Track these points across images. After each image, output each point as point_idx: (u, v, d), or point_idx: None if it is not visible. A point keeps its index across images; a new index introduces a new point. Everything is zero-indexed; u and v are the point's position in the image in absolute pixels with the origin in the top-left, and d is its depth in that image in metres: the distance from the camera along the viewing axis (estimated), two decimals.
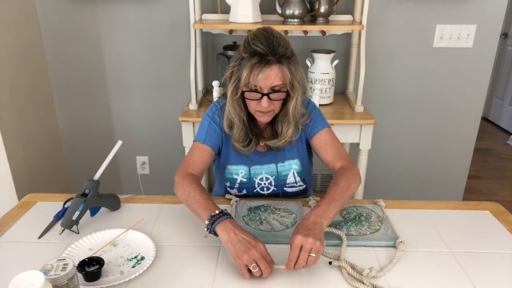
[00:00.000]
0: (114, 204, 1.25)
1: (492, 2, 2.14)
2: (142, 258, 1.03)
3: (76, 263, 0.95)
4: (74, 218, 1.12)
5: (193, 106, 2.05)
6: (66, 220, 1.11)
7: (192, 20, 1.95)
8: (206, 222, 1.01)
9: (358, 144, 2.02)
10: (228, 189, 1.36)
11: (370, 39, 2.19)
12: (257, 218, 1.18)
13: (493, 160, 3.57)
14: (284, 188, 1.36)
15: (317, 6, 1.97)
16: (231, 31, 2.05)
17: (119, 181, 2.60)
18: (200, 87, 2.27)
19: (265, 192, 1.36)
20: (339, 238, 1.09)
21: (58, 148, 2.49)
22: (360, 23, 1.99)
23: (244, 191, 1.35)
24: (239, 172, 1.33)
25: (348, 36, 2.22)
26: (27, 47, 2.15)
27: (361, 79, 1.96)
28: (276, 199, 1.32)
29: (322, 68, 2.07)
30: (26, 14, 2.13)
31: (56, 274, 0.81)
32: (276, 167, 1.33)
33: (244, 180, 1.34)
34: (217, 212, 1.01)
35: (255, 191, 1.35)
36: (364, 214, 1.21)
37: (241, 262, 0.93)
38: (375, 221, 1.18)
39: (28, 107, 2.17)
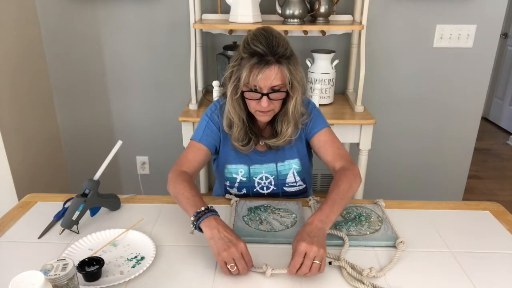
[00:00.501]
0: (114, 204, 1.25)
1: (492, 2, 2.14)
2: (142, 258, 1.03)
3: (76, 263, 0.95)
4: (74, 218, 1.12)
5: (193, 106, 2.05)
6: (66, 220, 1.11)
7: (192, 20, 1.95)
8: (192, 218, 1.03)
9: (358, 144, 2.02)
10: (228, 188, 1.36)
11: (370, 39, 2.19)
12: (257, 218, 1.18)
13: (493, 160, 3.57)
14: (284, 188, 1.36)
15: (317, 6, 1.97)
16: (231, 31, 2.05)
17: (119, 181, 2.60)
18: (200, 87, 2.27)
19: (265, 191, 1.36)
20: (340, 238, 1.09)
21: (58, 148, 2.49)
22: (360, 23, 1.99)
23: (244, 191, 1.35)
24: (238, 172, 1.33)
25: (348, 36, 2.22)
26: (27, 47, 2.15)
27: (361, 79, 1.96)
28: (276, 199, 1.32)
29: (322, 68, 2.07)
30: (26, 14, 2.13)
31: (56, 274, 0.81)
32: (276, 166, 1.33)
33: (244, 179, 1.34)
34: (202, 208, 1.03)
35: (254, 190, 1.35)
36: (364, 214, 1.21)
37: (221, 259, 0.95)
38: (375, 221, 1.18)
39: (28, 107, 2.17)
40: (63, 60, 2.32)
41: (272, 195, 1.36)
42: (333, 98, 2.17)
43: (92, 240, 1.10)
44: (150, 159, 2.54)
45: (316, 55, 2.08)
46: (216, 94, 1.73)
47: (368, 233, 1.12)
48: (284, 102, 1.21)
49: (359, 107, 2.03)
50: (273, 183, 1.35)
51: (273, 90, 1.15)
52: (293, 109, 1.21)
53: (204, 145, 1.26)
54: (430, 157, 2.48)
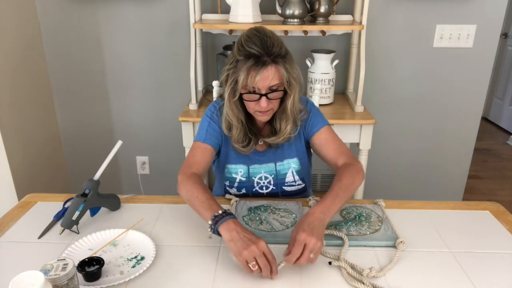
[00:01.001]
0: (114, 204, 1.25)
1: (492, 2, 2.14)
2: (142, 258, 1.03)
3: (76, 263, 0.95)
4: (74, 218, 1.12)
5: (193, 106, 2.05)
6: (66, 220, 1.12)
7: (192, 20, 1.95)
8: (210, 222, 1.01)
9: (358, 144, 2.02)
10: (227, 188, 1.36)
11: (370, 39, 2.19)
12: (257, 218, 1.18)
13: (493, 160, 3.57)
14: (283, 187, 1.36)
15: (317, 6, 1.97)
16: (231, 31, 2.05)
17: (119, 181, 2.60)
18: (200, 87, 2.27)
19: (264, 191, 1.36)
20: (340, 239, 1.09)
21: (58, 148, 2.49)
22: (360, 23, 1.99)
23: (243, 190, 1.35)
24: (238, 171, 1.33)
25: (348, 36, 2.22)
26: (27, 47, 2.15)
27: (361, 79, 1.96)
28: (275, 199, 1.32)
29: (322, 68, 2.07)
30: (26, 14, 2.13)
31: (56, 274, 0.81)
32: (275, 166, 1.34)
33: (243, 179, 1.34)
34: (220, 212, 1.01)
35: (254, 190, 1.35)
36: (364, 214, 1.21)
37: (242, 259, 0.93)
38: (375, 221, 1.18)
39: (28, 107, 2.17)
40: (63, 60, 2.32)
41: (271, 195, 1.36)
42: (333, 98, 2.17)
43: (92, 240, 1.09)
44: (150, 159, 2.54)
45: (316, 55, 2.08)
46: (216, 94, 1.73)
47: (368, 233, 1.12)
48: (282, 100, 1.22)
49: (359, 107, 2.02)
50: (272, 182, 1.35)
51: (271, 90, 1.15)
52: (291, 106, 1.21)
53: (209, 144, 1.26)
54: (430, 157, 2.48)
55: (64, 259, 0.85)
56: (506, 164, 3.51)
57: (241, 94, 1.17)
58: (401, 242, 1.07)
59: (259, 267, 0.93)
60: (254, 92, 1.15)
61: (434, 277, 0.98)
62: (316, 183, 2.53)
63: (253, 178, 1.34)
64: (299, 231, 0.97)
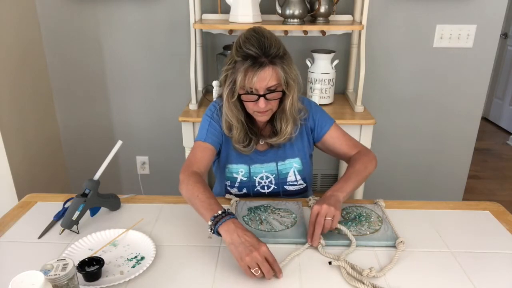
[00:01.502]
0: (114, 204, 1.25)
1: (492, 2, 2.13)
2: (142, 258, 1.03)
3: (76, 263, 0.95)
4: (74, 218, 1.12)
5: (193, 106, 2.05)
6: (66, 220, 1.12)
7: (192, 20, 1.95)
8: (209, 223, 1.01)
9: (357, 140, 2.02)
10: (228, 188, 1.36)
11: (370, 39, 2.19)
12: (257, 218, 1.18)
13: (493, 160, 3.57)
14: (285, 187, 1.36)
15: (317, 6, 1.97)
16: (231, 31, 2.05)
17: (119, 181, 2.60)
18: (200, 87, 2.27)
19: (266, 190, 1.36)
20: (347, 239, 1.09)
21: (58, 148, 2.49)
22: (360, 23, 1.99)
23: (245, 190, 1.35)
24: (239, 171, 1.34)
25: (348, 36, 2.22)
26: (27, 47, 2.15)
27: (361, 79, 1.96)
28: (276, 199, 1.32)
29: (322, 68, 2.07)
30: (26, 14, 2.13)
31: (56, 274, 0.81)
32: (276, 165, 1.34)
33: (244, 179, 1.34)
34: (219, 212, 1.01)
35: (255, 190, 1.35)
36: (364, 214, 1.21)
37: (244, 264, 0.93)
38: (375, 221, 1.18)
39: (28, 107, 2.17)
40: (63, 60, 2.32)
41: (272, 194, 1.36)
42: (333, 98, 2.17)
43: (92, 240, 1.09)
44: (150, 159, 2.54)
45: (316, 55, 2.08)
46: (216, 94, 1.73)
47: (368, 233, 1.12)
48: (281, 100, 1.22)
49: (359, 107, 2.03)
50: (273, 182, 1.35)
51: (269, 90, 1.16)
52: (290, 107, 1.22)
53: (210, 144, 1.26)
54: (430, 157, 2.48)
55: (64, 259, 0.85)
56: (506, 164, 3.51)
57: (239, 95, 1.18)
58: (401, 242, 1.07)
59: (262, 271, 0.93)
60: (252, 93, 1.15)
61: (434, 277, 0.98)
62: (316, 183, 2.53)
63: (254, 177, 1.34)
64: (312, 207, 1.08)
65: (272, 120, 1.28)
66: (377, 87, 2.32)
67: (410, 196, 2.53)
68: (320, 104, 1.84)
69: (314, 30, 2.02)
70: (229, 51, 2.05)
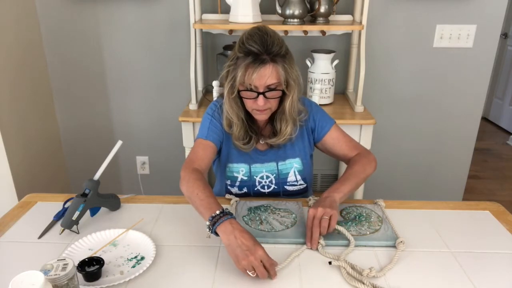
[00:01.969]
0: (114, 204, 1.25)
1: (492, 2, 2.13)
2: (142, 258, 1.03)
3: (76, 263, 0.95)
4: (74, 218, 1.12)
5: (193, 106, 2.05)
6: (66, 220, 1.11)
7: (192, 20, 1.95)
8: (207, 223, 1.01)
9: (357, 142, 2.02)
10: (228, 187, 1.36)
11: (370, 39, 2.19)
12: (257, 218, 1.18)
13: (493, 160, 3.57)
14: (285, 187, 1.36)
15: (317, 6, 1.97)
16: (231, 31, 2.05)
17: (119, 181, 2.60)
18: (200, 87, 2.27)
19: (266, 190, 1.36)
20: (346, 239, 1.09)
21: (58, 148, 2.49)
22: (360, 23, 1.99)
23: (245, 189, 1.35)
24: (239, 170, 1.34)
25: (348, 36, 2.22)
26: (27, 47, 2.15)
27: (361, 79, 1.96)
28: (276, 199, 1.32)
29: (322, 68, 2.07)
30: (26, 14, 2.13)
31: (56, 274, 0.81)
32: (277, 165, 1.34)
33: (245, 178, 1.34)
34: (217, 212, 1.00)
35: (255, 189, 1.35)
36: (364, 214, 1.21)
37: (241, 267, 0.94)
38: (375, 221, 1.18)
39: (28, 107, 2.17)
40: (63, 60, 2.32)
41: (272, 194, 1.36)
42: (333, 98, 2.17)
43: (92, 240, 1.09)
44: (150, 159, 2.54)
45: (316, 55, 2.08)
46: (216, 94, 1.73)
47: (368, 233, 1.12)
48: (281, 100, 1.22)
49: (359, 107, 2.03)
50: (274, 182, 1.35)
51: (269, 88, 1.16)
52: (289, 107, 1.22)
53: (211, 141, 1.26)
54: (430, 157, 2.48)
55: (64, 259, 0.85)
56: (506, 164, 3.51)
57: (239, 91, 1.18)
58: (401, 242, 1.07)
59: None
60: (251, 90, 1.15)
61: (434, 277, 0.98)
62: (316, 183, 2.53)
63: (255, 177, 1.34)
64: (308, 210, 1.08)
65: (272, 120, 1.28)
66: (377, 87, 2.32)
67: (410, 196, 2.53)
68: (320, 104, 1.84)
69: (314, 30, 2.02)
70: (229, 51, 2.07)
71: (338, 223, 1.16)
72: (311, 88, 2.11)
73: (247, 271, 0.93)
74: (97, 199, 1.18)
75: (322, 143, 1.35)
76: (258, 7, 1.98)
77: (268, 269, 0.94)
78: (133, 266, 1.00)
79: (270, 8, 2.06)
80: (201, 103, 2.13)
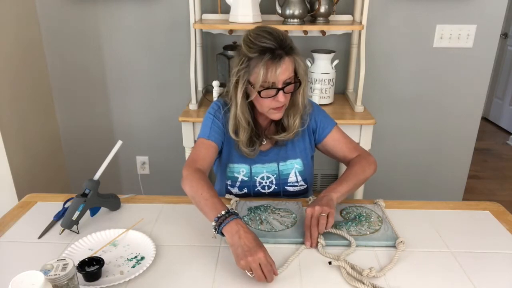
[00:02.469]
0: (114, 204, 1.25)
1: (492, 2, 2.13)
2: (142, 258, 1.03)
3: (76, 263, 0.95)
4: (74, 218, 1.12)
5: (193, 106, 2.05)
6: (66, 220, 1.12)
7: (192, 20, 1.95)
8: (213, 223, 1.00)
9: (358, 144, 2.02)
10: (229, 187, 1.36)
11: (370, 39, 2.19)
12: (257, 218, 1.18)
13: (493, 160, 3.57)
14: (286, 187, 1.36)
15: (317, 6, 1.97)
16: (231, 31, 2.05)
17: (119, 181, 2.60)
18: (200, 87, 2.27)
19: (266, 191, 1.36)
20: (345, 239, 1.09)
21: (58, 148, 2.49)
22: (360, 23, 1.99)
23: (245, 190, 1.35)
24: (240, 171, 1.33)
25: (348, 36, 2.22)
26: (27, 47, 2.15)
27: (361, 79, 1.96)
28: (276, 199, 1.32)
29: (322, 68, 2.07)
30: (26, 14, 2.13)
31: (56, 274, 0.81)
32: (278, 166, 1.34)
33: (245, 178, 1.34)
34: (223, 212, 1.00)
35: (256, 189, 1.35)
36: (364, 214, 1.21)
37: (240, 266, 0.94)
38: (375, 221, 1.18)
39: (28, 107, 2.17)
40: (63, 61, 2.32)
41: (273, 195, 1.36)
42: (333, 98, 2.17)
43: (92, 240, 1.09)
44: (150, 159, 2.54)
45: (316, 55, 2.08)
46: (216, 94, 1.73)
47: (368, 233, 1.12)
48: (291, 94, 1.22)
49: (359, 107, 2.03)
50: (274, 182, 1.35)
51: (286, 83, 1.16)
52: (302, 99, 1.23)
53: (213, 141, 1.26)
54: (430, 157, 2.48)
55: (64, 259, 0.85)
56: (506, 164, 3.51)
57: (258, 92, 1.15)
58: (401, 242, 1.07)
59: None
60: (271, 88, 1.14)
61: (434, 277, 0.98)
62: (316, 183, 2.53)
63: (255, 177, 1.34)
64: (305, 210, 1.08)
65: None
66: (377, 87, 2.32)
67: (410, 196, 2.53)
68: (320, 104, 1.85)
69: (314, 30, 2.02)
70: (229, 51, 2.07)
71: (338, 223, 1.16)
72: (311, 88, 2.11)
73: (246, 271, 0.94)
74: (97, 199, 1.18)
75: (323, 144, 1.35)
76: (258, 7, 1.98)
77: (265, 274, 0.93)
78: (133, 266, 1.00)
79: (270, 8, 2.06)
80: (201, 103, 2.13)
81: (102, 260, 0.97)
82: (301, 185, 1.36)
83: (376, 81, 2.30)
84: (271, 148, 1.33)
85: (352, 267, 0.99)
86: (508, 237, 1.14)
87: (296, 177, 1.35)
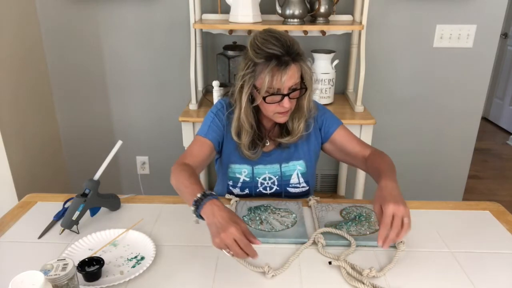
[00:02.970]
0: (114, 204, 1.25)
1: (492, 2, 2.13)
2: (142, 258, 1.03)
3: (76, 263, 0.95)
4: (74, 218, 1.12)
5: (193, 106, 2.05)
6: (66, 220, 1.12)
7: (192, 20, 1.95)
8: (192, 208, 0.99)
9: None
10: (230, 188, 1.36)
11: (370, 39, 2.19)
12: (257, 218, 1.18)
13: (493, 160, 3.57)
14: (287, 188, 1.36)
15: (317, 6, 1.97)
16: (231, 31, 2.05)
17: (119, 181, 2.60)
18: (200, 87, 2.27)
19: (268, 191, 1.36)
20: (345, 239, 1.09)
21: (58, 148, 2.49)
22: (360, 23, 1.99)
23: (247, 191, 1.35)
24: (242, 171, 1.33)
25: (348, 36, 2.22)
26: (27, 47, 2.15)
27: (361, 79, 1.96)
28: (277, 199, 1.32)
29: (322, 68, 2.07)
30: (26, 14, 2.13)
31: (56, 274, 0.81)
32: (280, 167, 1.34)
33: (247, 179, 1.34)
34: (198, 195, 0.98)
35: (257, 190, 1.35)
36: (364, 214, 1.21)
37: (216, 246, 0.91)
38: (375, 221, 1.18)
39: (28, 107, 2.17)
40: (63, 61, 2.32)
41: (274, 196, 1.36)
42: (333, 98, 2.17)
43: (92, 240, 1.10)
44: (150, 159, 2.54)
45: (316, 55, 2.08)
46: (216, 94, 1.73)
47: (368, 233, 1.12)
48: (297, 98, 1.22)
49: (359, 107, 2.03)
50: (276, 183, 1.35)
51: (291, 89, 1.16)
52: (307, 104, 1.23)
53: (209, 139, 1.26)
54: (430, 157, 2.47)
55: (64, 259, 0.85)
56: (506, 164, 3.51)
57: (264, 98, 1.15)
58: (401, 242, 1.07)
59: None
60: (275, 94, 1.14)
61: (434, 277, 0.98)
62: (316, 183, 2.53)
63: (257, 178, 1.34)
64: (384, 203, 0.97)
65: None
66: (377, 87, 2.32)
67: (410, 196, 2.51)
68: None
69: (314, 30, 2.02)
70: (229, 51, 2.07)
71: (338, 223, 1.16)
72: None
73: (223, 250, 0.90)
74: (97, 199, 1.18)
75: (331, 142, 1.33)
76: (258, 7, 1.98)
77: (243, 248, 0.89)
78: (133, 266, 1.00)
79: (270, 8, 2.06)
80: (201, 103, 2.13)
81: (102, 260, 0.97)
82: (303, 187, 1.36)
83: (376, 81, 2.30)
84: (274, 149, 1.33)
85: (352, 267, 0.99)
86: (508, 237, 1.14)
87: (298, 178, 1.35)
